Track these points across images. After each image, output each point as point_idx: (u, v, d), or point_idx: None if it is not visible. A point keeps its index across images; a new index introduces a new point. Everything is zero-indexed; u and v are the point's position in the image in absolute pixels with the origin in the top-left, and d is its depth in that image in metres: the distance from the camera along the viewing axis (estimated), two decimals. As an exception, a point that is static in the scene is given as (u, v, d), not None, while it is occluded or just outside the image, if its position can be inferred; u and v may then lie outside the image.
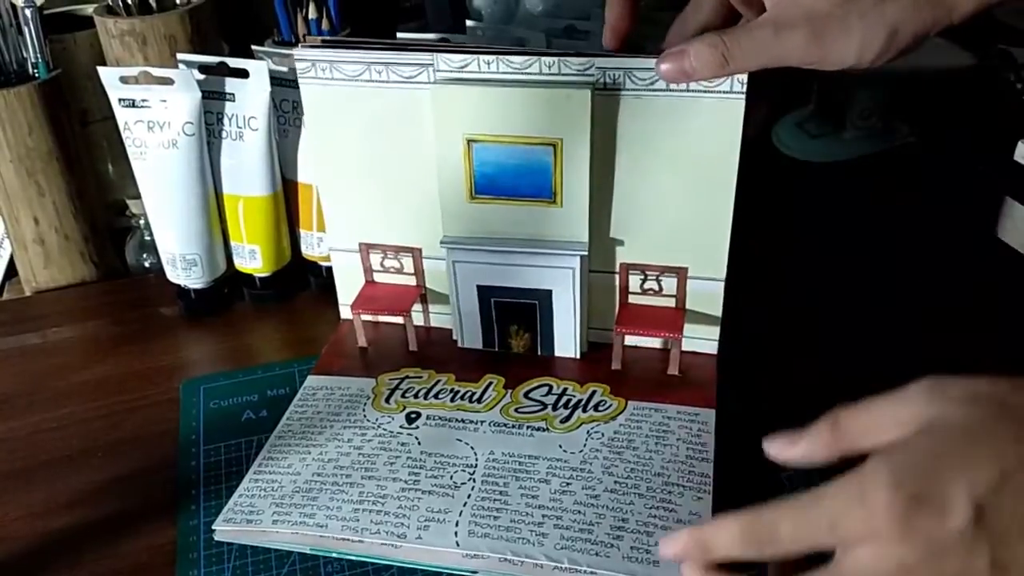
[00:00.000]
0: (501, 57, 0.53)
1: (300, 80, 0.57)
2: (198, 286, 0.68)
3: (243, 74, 0.62)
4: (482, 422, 0.55)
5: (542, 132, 0.53)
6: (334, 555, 0.48)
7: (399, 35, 0.61)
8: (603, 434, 0.53)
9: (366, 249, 0.62)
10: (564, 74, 0.52)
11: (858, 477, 0.34)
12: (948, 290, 0.66)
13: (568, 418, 0.55)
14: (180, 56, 0.64)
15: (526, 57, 0.52)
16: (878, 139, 0.85)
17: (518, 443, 0.53)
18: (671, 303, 0.59)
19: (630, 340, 0.60)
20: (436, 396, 0.57)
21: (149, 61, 0.68)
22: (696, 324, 0.58)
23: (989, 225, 0.72)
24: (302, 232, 0.68)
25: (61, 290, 0.73)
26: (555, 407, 0.56)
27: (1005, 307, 0.64)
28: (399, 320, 0.63)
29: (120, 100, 0.62)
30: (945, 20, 0.43)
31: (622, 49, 0.52)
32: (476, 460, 0.52)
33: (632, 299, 0.59)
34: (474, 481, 0.50)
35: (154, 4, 0.70)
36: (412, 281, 0.63)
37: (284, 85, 0.63)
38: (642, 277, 0.58)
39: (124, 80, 0.62)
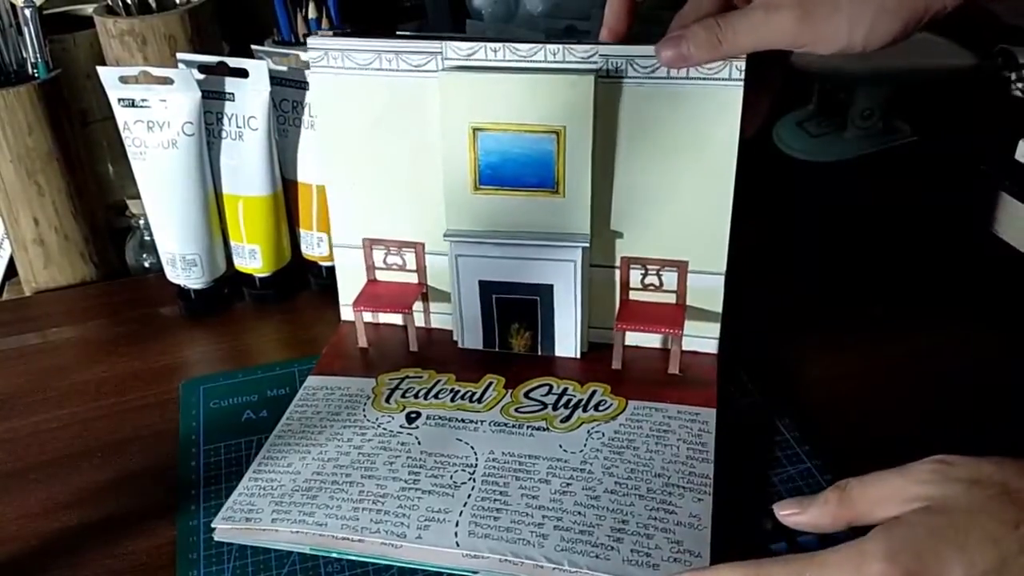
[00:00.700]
0: (507, 45, 0.54)
1: (312, 69, 0.58)
2: (198, 286, 0.68)
3: (243, 74, 0.62)
4: (482, 422, 0.55)
5: (546, 119, 0.54)
6: (334, 555, 0.48)
7: (399, 35, 0.61)
8: (603, 434, 0.53)
9: (369, 245, 0.62)
10: (568, 61, 0.54)
11: (859, 548, 0.36)
12: (948, 290, 0.66)
13: (568, 418, 0.55)
14: (180, 56, 0.64)
15: (532, 45, 0.54)
16: (879, 138, 0.85)
17: (518, 443, 0.53)
18: (672, 299, 0.59)
19: (630, 340, 0.60)
20: (436, 396, 0.57)
21: (149, 61, 0.68)
22: (697, 321, 0.58)
23: (990, 224, 0.72)
24: (302, 232, 0.68)
25: (61, 290, 0.73)
26: (555, 407, 0.56)
27: (1005, 306, 0.64)
28: (399, 321, 0.63)
29: (120, 100, 0.62)
30: (937, 5, 0.44)
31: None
32: (476, 460, 0.52)
33: (633, 295, 0.60)
34: (474, 481, 0.50)
35: (154, 4, 0.70)
36: (414, 279, 0.63)
37: (284, 85, 0.63)
38: (643, 272, 0.59)
39: (124, 80, 0.62)
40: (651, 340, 0.60)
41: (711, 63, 0.51)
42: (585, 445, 0.53)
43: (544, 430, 0.54)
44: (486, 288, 0.60)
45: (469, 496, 0.49)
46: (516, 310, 0.60)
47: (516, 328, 0.60)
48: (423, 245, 0.61)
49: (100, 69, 0.62)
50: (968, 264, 0.69)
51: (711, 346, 0.59)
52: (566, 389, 0.57)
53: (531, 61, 0.54)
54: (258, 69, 0.61)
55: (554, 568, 0.45)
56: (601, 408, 0.55)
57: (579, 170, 0.55)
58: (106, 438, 0.57)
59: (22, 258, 0.73)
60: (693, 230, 0.56)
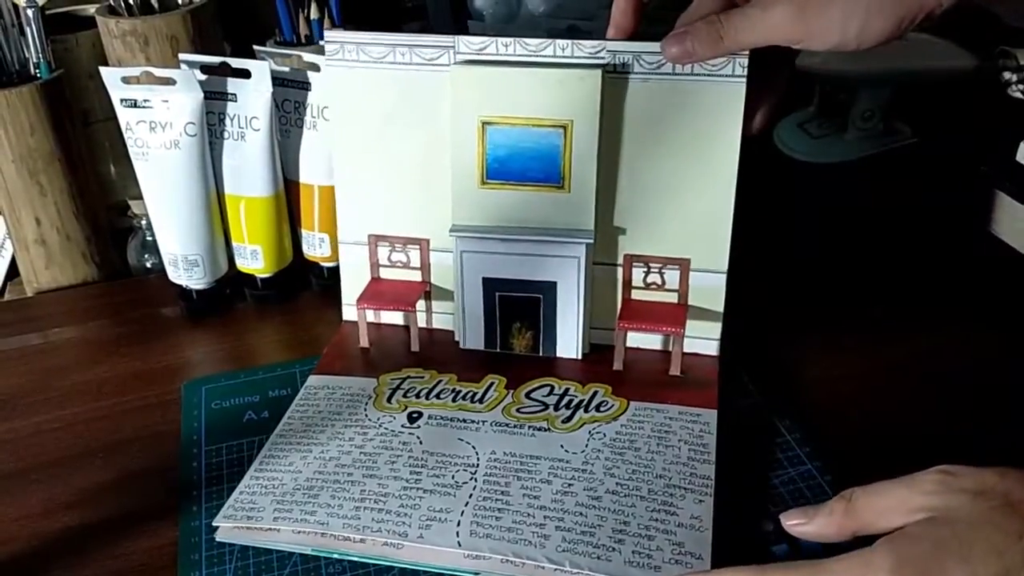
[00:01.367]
0: (518, 40, 0.56)
1: (327, 62, 0.59)
2: (200, 287, 0.68)
3: (245, 74, 0.62)
4: (484, 422, 0.55)
5: (554, 113, 0.55)
6: (336, 556, 0.48)
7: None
8: (605, 434, 0.53)
9: (374, 241, 0.62)
10: (577, 56, 0.55)
11: (865, 558, 0.36)
12: (949, 291, 0.66)
13: (570, 418, 0.55)
14: (182, 56, 0.64)
15: (541, 40, 0.55)
16: (880, 140, 0.85)
17: (520, 443, 0.53)
18: (674, 298, 0.59)
19: (631, 341, 0.60)
20: (438, 396, 0.57)
21: (151, 61, 0.68)
22: (698, 321, 0.59)
23: (990, 225, 0.72)
24: (304, 232, 0.68)
25: (63, 290, 0.73)
26: (557, 407, 0.56)
27: (1005, 307, 0.64)
28: (400, 321, 0.63)
29: (122, 100, 0.62)
30: (931, 3, 0.44)
31: None
32: (478, 460, 0.52)
33: (635, 294, 0.60)
34: (476, 480, 0.50)
35: (156, 4, 0.70)
36: (418, 276, 0.63)
37: (286, 85, 0.63)
38: (645, 270, 0.59)
39: (126, 80, 0.62)
40: (652, 342, 0.60)
41: (714, 59, 0.52)
42: (586, 446, 0.53)
43: (545, 430, 0.54)
44: (489, 286, 0.60)
45: (471, 496, 0.49)
46: (519, 308, 0.60)
47: (518, 328, 0.61)
48: (428, 241, 0.62)
49: (102, 69, 0.62)
50: (968, 265, 0.69)
51: (712, 347, 0.59)
52: (567, 390, 0.57)
53: (540, 56, 0.56)
54: (260, 70, 0.62)
55: (555, 569, 0.45)
56: (602, 409, 0.55)
57: (585, 165, 0.56)
58: (107, 438, 0.57)
59: (24, 258, 0.73)
60: (696, 226, 0.57)
